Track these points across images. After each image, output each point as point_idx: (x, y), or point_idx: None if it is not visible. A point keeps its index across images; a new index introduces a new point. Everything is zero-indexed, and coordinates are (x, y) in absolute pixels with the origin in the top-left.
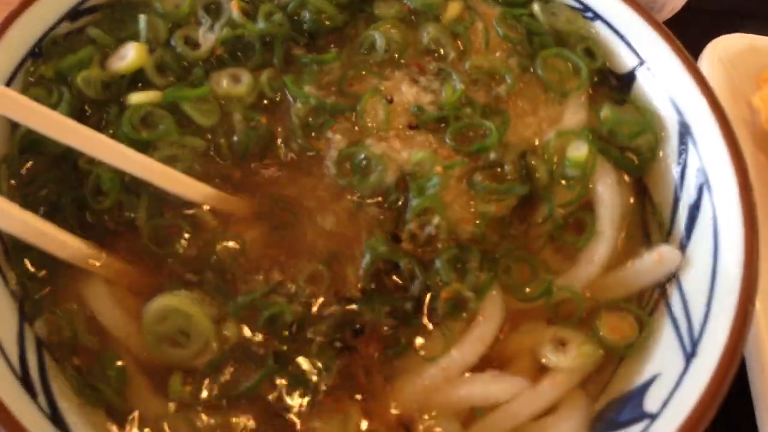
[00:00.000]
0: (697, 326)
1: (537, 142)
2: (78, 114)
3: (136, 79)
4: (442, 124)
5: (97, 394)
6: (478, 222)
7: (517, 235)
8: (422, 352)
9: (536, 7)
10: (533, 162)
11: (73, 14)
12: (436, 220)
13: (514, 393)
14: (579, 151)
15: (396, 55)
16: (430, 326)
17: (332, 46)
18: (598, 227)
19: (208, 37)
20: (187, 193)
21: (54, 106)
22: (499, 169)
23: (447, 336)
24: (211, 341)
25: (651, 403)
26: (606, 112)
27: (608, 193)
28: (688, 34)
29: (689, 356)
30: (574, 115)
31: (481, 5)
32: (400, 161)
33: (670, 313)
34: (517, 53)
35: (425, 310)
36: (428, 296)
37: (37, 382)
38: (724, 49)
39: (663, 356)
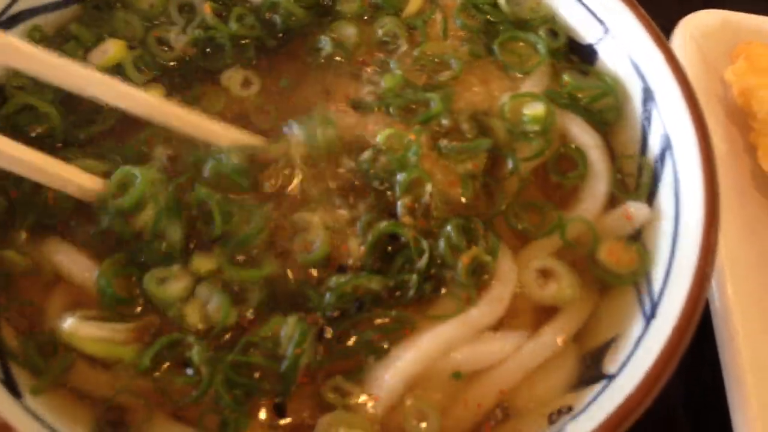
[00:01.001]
0: (657, 289)
1: (490, 107)
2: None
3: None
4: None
5: None
6: (463, 183)
7: (497, 192)
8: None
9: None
10: (488, 121)
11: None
12: (428, 188)
13: (516, 346)
14: (535, 108)
15: (341, 57)
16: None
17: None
18: (594, 169)
19: (180, 38)
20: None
21: (37, 95)
22: (457, 133)
23: (464, 299)
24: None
25: (611, 363)
26: (566, 78)
27: (591, 137)
28: (663, 10)
29: (649, 318)
30: (534, 83)
31: None
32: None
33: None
34: (471, 41)
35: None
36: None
37: None
38: (698, 25)
39: (624, 318)
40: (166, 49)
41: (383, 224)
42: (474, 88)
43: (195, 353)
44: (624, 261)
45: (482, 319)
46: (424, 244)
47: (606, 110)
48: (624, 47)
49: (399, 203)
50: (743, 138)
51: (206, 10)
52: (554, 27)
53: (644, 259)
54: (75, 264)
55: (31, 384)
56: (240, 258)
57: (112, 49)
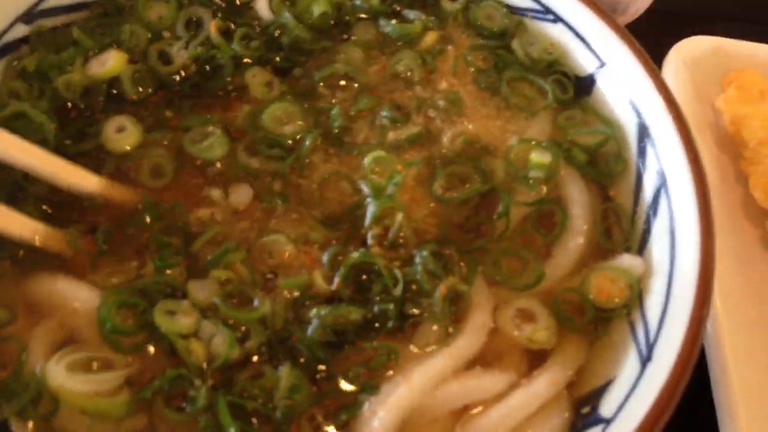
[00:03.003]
0: (653, 330)
1: (494, 146)
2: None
3: (113, 86)
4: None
5: None
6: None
7: (483, 231)
8: (418, 349)
9: (515, 44)
10: (491, 162)
11: (66, 8)
12: (398, 217)
13: (506, 385)
14: (543, 157)
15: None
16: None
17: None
18: (571, 223)
19: (181, 54)
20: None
21: (34, 102)
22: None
23: (443, 329)
24: None
25: (606, 407)
26: (564, 122)
27: (577, 192)
28: (653, 37)
29: (645, 361)
30: (539, 129)
31: (457, 34)
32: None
33: (628, 318)
34: (480, 78)
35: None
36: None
37: None
38: (689, 52)
39: (619, 360)
40: (165, 63)
41: (354, 255)
42: (478, 127)
43: (201, 395)
44: (614, 294)
45: (469, 348)
46: (398, 273)
47: (611, 161)
48: (620, 81)
49: (369, 233)
50: (734, 166)
51: (211, 28)
52: (566, 70)
53: (634, 287)
54: (74, 294)
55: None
56: (235, 299)
57: (112, 60)
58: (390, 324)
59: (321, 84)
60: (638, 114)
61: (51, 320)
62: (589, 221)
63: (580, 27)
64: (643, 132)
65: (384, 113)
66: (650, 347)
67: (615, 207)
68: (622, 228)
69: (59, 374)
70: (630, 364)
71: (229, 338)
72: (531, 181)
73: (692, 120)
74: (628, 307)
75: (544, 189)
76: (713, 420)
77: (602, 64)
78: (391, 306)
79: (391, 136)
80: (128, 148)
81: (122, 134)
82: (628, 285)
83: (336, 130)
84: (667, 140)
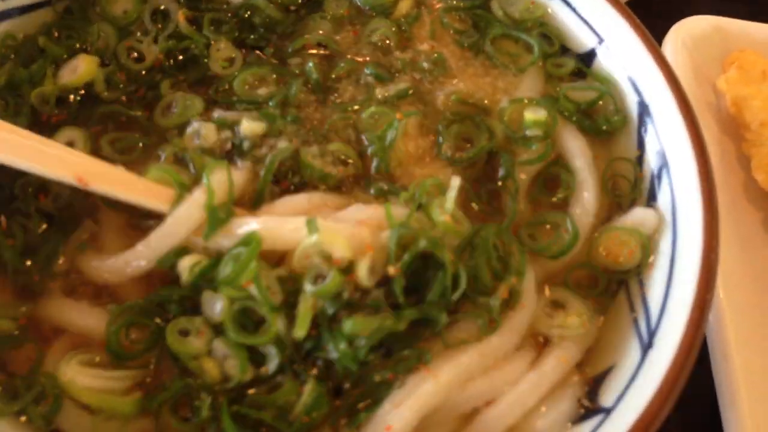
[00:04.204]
0: (654, 317)
1: (489, 107)
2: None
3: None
4: None
5: None
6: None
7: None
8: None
9: (494, 5)
10: (488, 122)
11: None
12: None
13: (526, 371)
14: (537, 113)
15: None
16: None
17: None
18: (579, 177)
19: (152, 49)
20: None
21: (12, 118)
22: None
23: (487, 324)
24: None
25: (606, 396)
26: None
27: (577, 145)
28: (653, 15)
29: (646, 347)
30: (530, 85)
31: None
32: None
33: (629, 302)
34: (461, 39)
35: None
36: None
37: None
38: (689, 31)
39: (620, 346)
40: (137, 58)
41: (422, 242)
42: (468, 85)
43: (205, 406)
44: (623, 255)
45: (502, 348)
46: (462, 273)
47: (610, 116)
48: (619, 58)
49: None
50: (736, 148)
51: (180, 18)
52: (547, 31)
53: (646, 246)
54: (82, 317)
55: None
56: (244, 320)
57: (83, 66)
58: (437, 329)
59: (293, 55)
60: (638, 92)
61: (64, 337)
62: (594, 171)
63: (578, 2)
64: (644, 110)
65: (368, 71)
66: (651, 334)
67: (620, 164)
68: (619, 205)
69: (70, 369)
70: (631, 350)
71: (242, 362)
72: (532, 140)
73: (693, 101)
74: (639, 268)
75: (547, 144)
76: (714, 402)
77: (601, 41)
78: (444, 315)
79: (379, 92)
80: None
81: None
82: (640, 244)
83: (314, 83)
84: (668, 119)
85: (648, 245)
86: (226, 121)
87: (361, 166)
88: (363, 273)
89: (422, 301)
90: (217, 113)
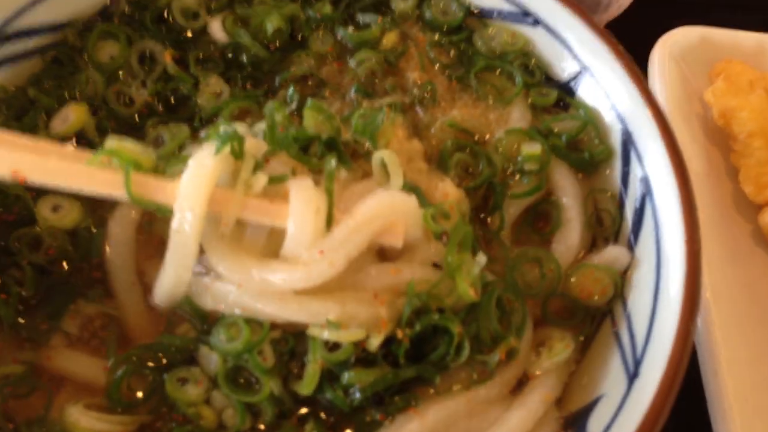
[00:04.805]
0: (640, 346)
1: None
2: None
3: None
4: None
5: None
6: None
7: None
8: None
9: (476, 39)
10: (486, 152)
11: (14, 57)
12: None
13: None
14: (533, 147)
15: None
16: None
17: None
18: (567, 214)
19: (140, 93)
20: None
21: None
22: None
23: (473, 374)
24: None
25: (594, 426)
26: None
27: (568, 183)
28: (639, 30)
29: (632, 377)
30: (518, 117)
31: (415, 32)
32: None
33: (614, 331)
34: (448, 72)
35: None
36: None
37: None
38: (676, 43)
39: (607, 376)
40: (127, 102)
41: (435, 316)
42: (459, 113)
43: None
44: (597, 292)
45: (490, 397)
46: (466, 343)
47: (595, 147)
48: (602, 86)
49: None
50: (725, 159)
51: (167, 58)
52: (528, 63)
53: (617, 283)
54: (82, 367)
55: None
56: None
57: (73, 115)
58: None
59: (280, 89)
60: (621, 120)
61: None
62: (581, 211)
63: (561, 30)
64: (627, 138)
65: (354, 90)
66: (637, 363)
67: (598, 213)
68: (603, 235)
69: (76, 411)
70: (617, 380)
71: (240, 412)
72: (526, 174)
73: (681, 113)
74: (611, 305)
75: (540, 178)
76: (705, 414)
77: (584, 68)
78: (439, 376)
79: (366, 105)
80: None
81: (59, 213)
82: (612, 282)
83: (297, 108)
84: (651, 148)
85: (620, 283)
86: None
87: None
88: (374, 345)
89: (422, 359)
90: (203, 134)
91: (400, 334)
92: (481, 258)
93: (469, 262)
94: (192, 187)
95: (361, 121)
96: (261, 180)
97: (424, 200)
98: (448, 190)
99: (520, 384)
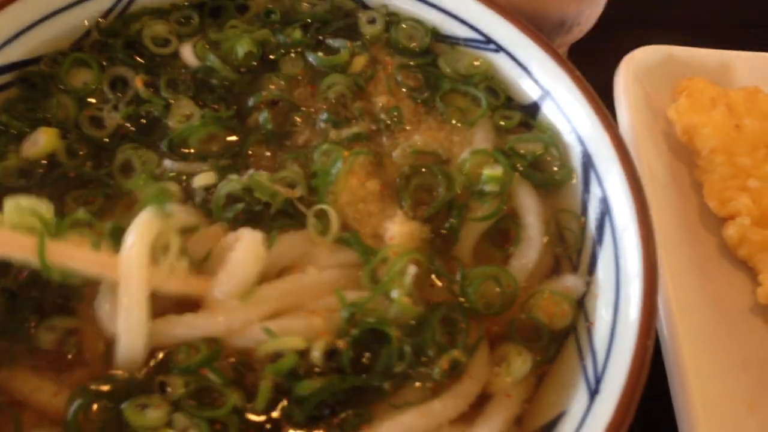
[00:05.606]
0: (600, 362)
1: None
2: None
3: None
4: None
5: None
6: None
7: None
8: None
9: (441, 62)
10: (449, 172)
11: None
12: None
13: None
14: (495, 170)
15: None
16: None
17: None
18: (527, 233)
19: (112, 116)
20: None
21: None
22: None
23: (430, 390)
24: None
25: None
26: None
27: (531, 201)
28: (603, 50)
29: (593, 393)
30: (482, 138)
31: (382, 56)
32: None
33: (577, 347)
34: (414, 95)
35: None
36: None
37: None
38: (640, 62)
39: (570, 393)
40: (98, 128)
41: (370, 320)
42: (425, 138)
43: None
44: (557, 315)
45: (444, 413)
46: (407, 349)
47: (557, 169)
48: (562, 110)
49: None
50: (689, 174)
51: (137, 83)
52: (493, 85)
53: (575, 310)
54: (40, 392)
55: None
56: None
57: (43, 138)
58: (383, 393)
59: (251, 112)
60: (581, 143)
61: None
62: (542, 230)
63: (522, 57)
64: (587, 160)
65: (323, 117)
66: (598, 379)
67: (560, 233)
68: (567, 255)
69: None
70: (579, 397)
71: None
72: (486, 196)
73: (647, 130)
74: (575, 329)
75: (499, 203)
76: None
77: (545, 93)
78: (388, 384)
79: (333, 135)
80: None
81: None
82: (570, 306)
83: (267, 134)
84: (609, 170)
85: (576, 308)
86: (182, 173)
87: (308, 192)
88: (317, 356)
89: (370, 370)
90: (167, 163)
91: (340, 343)
92: (411, 269)
93: (401, 274)
94: (133, 267)
95: (323, 159)
96: (183, 264)
97: (363, 248)
98: (395, 232)
99: (482, 404)
